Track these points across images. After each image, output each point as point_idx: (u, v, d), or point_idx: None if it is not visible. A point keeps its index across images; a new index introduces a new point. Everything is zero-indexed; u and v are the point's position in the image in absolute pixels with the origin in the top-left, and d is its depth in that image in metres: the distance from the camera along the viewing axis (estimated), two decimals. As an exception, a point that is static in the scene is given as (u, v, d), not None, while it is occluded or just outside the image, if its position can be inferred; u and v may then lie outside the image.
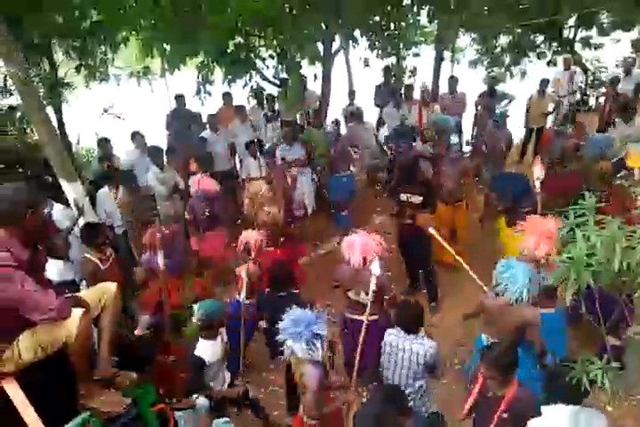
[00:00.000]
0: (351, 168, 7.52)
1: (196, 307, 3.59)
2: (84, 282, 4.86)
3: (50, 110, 7.57)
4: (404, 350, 3.62)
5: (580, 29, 10.20)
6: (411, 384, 3.65)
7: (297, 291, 4.71)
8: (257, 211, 5.22)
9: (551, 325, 3.77)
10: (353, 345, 3.74)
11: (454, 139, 6.76)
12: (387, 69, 9.50)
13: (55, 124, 7.59)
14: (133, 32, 7.75)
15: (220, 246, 5.81)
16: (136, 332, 3.94)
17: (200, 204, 5.85)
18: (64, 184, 5.64)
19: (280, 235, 5.16)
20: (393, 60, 10.31)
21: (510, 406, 2.90)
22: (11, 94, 7.50)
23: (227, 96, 8.53)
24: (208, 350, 3.63)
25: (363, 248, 3.93)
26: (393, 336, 3.72)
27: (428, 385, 3.78)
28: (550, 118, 8.98)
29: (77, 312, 2.40)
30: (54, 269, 4.59)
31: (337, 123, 8.40)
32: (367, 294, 3.73)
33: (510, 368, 2.92)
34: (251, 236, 4.64)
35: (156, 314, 4.13)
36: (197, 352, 3.60)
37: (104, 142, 7.12)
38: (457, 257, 4.47)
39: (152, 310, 4.27)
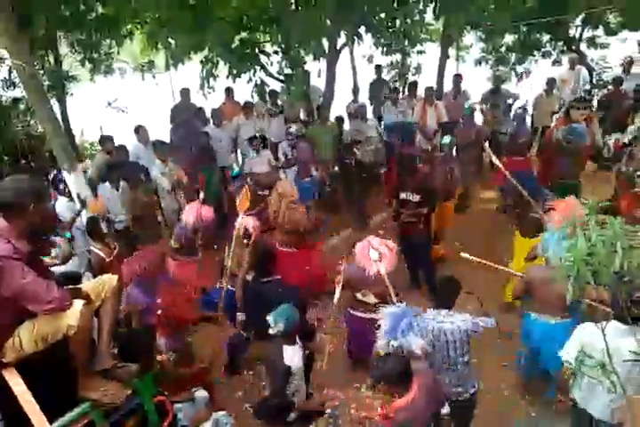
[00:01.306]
0: (313, 173, 7.46)
1: (271, 318, 3.34)
2: (87, 274, 4.89)
3: (54, 103, 7.61)
4: (448, 329, 3.33)
5: (586, 29, 10.15)
6: (461, 362, 3.43)
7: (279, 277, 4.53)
8: (286, 210, 5.26)
9: (556, 334, 3.68)
10: (358, 339, 3.75)
11: (447, 138, 6.75)
12: (378, 67, 9.51)
13: (59, 116, 7.62)
14: (138, 26, 7.77)
15: (194, 275, 5.33)
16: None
17: (191, 235, 5.29)
18: (67, 176, 5.66)
19: (303, 235, 5.28)
20: (398, 57, 10.31)
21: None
22: (15, 87, 7.49)
23: (229, 91, 8.53)
24: (295, 356, 3.37)
25: (375, 253, 3.96)
26: (433, 321, 3.39)
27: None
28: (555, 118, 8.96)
29: (78, 304, 2.42)
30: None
31: (341, 119, 8.40)
32: (376, 296, 3.86)
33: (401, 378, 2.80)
34: (249, 222, 4.68)
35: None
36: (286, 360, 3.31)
37: (106, 140, 7.06)
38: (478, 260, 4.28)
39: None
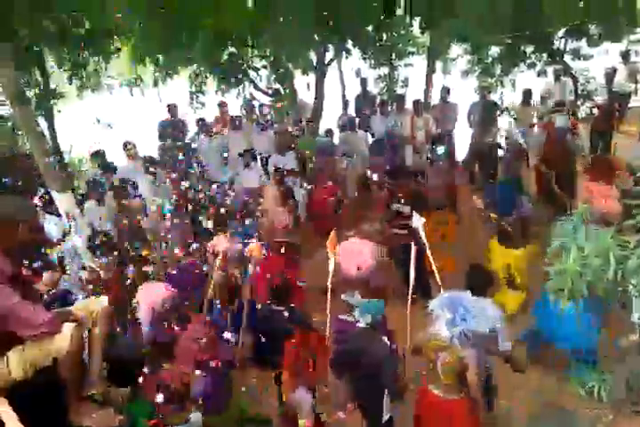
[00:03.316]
0: None
1: (357, 313, 3.44)
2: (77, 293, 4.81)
3: (42, 120, 7.57)
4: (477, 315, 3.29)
5: (569, 40, 10.30)
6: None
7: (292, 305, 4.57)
8: (272, 214, 5.25)
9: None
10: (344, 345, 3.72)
11: (441, 149, 6.78)
12: (363, 80, 9.60)
13: (47, 133, 7.57)
14: (126, 42, 7.77)
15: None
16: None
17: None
18: (55, 195, 5.60)
19: (283, 242, 5.24)
20: (385, 70, 10.40)
21: None
22: (1, 105, 7.44)
23: (222, 106, 8.54)
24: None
25: (357, 256, 3.97)
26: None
27: None
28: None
29: (68, 327, 2.36)
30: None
31: (330, 132, 8.43)
32: (361, 296, 3.82)
33: None
34: (220, 242, 4.67)
35: None
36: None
37: (99, 156, 7.00)
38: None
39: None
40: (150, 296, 4.27)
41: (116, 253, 5.19)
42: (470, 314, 3.05)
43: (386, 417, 3.41)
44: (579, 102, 9.19)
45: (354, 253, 4.30)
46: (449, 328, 3.05)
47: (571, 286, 2.45)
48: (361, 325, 3.41)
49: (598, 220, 4.05)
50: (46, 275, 4.02)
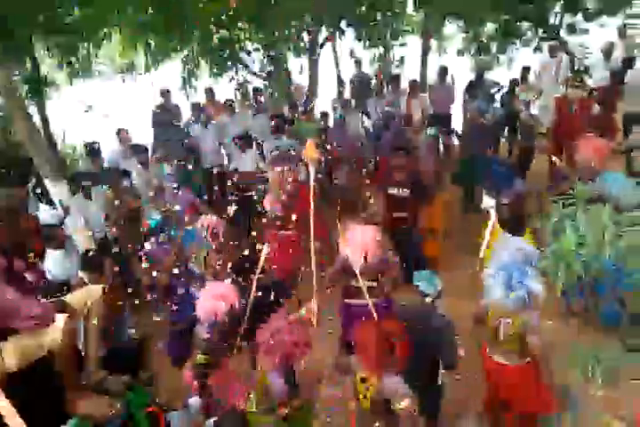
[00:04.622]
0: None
1: (422, 284, 3.48)
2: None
3: (33, 108, 7.48)
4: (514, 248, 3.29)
5: (565, 15, 10.15)
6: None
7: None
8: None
9: None
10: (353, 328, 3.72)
11: (432, 129, 6.72)
12: (357, 62, 9.49)
13: (39, 122, 7.49)
14: (116, 27, 7.64)
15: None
16: None
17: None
18: (48, 184, 5.56)
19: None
20: (381, 50, 10.26)
21: None
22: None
23: (209, 92, 8.45)
24: None
25: (363, 242, 3.94)
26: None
27: None
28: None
29: (61, 317, 2.36)
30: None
31: (325, 115, 8.34)
32: (370, 280, 3.85)
33: None
34: (212, 220, 4.62)
35: None
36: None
37: (92, 147, 6.88)
38: None
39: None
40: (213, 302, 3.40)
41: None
42: (527, 276, 2.97)
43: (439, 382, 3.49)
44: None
45: (360, 240, 4.21)
46: (506, 294, 3.02)
47: (566, 266, 2.43)
48: (429, 299, 3.46)
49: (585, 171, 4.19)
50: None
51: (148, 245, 4.27)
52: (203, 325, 3.28)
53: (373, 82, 9.51)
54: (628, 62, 8.63)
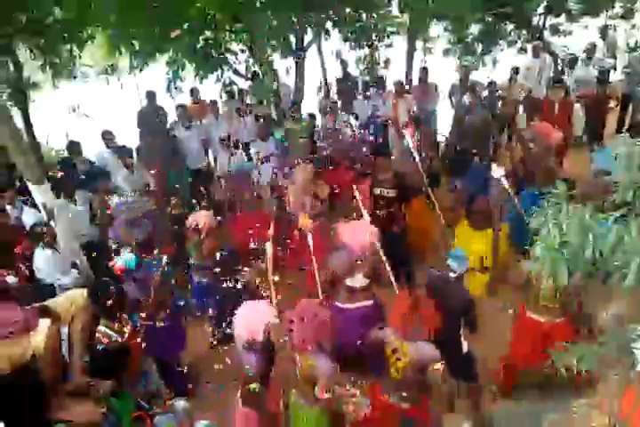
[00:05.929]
0: None
1: (454, 264, 3.87)
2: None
3: (16, 111, 7.38)
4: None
5: (548, 16, 10.26)
6: None
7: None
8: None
9: None
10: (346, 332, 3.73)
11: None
12: (343, 62, 9.52)
13: (22, 125, 7.39)
14: (99, 29, 7.56)
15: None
16: None
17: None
18: (31, 187, 5.47)
19: None
20: (366, 51, 10.28)
21: None
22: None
23: (194, 92, 8.42)
24: None
25: (359, 236, 3.99)
26: None
27: None
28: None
29: (44, 323, 2.33)
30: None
31: (313, 116, 8.35)
32: (365, 277, 3.98)
33: None
34: (200, 217, 4.66)
35: None
36: None
37: (73, 146, 6.83)
38: None
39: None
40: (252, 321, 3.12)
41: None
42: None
43: (465, 350, 3.76)
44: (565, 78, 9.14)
45: (355, 233, 4.22)
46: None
47: (550, 264, 2.44)
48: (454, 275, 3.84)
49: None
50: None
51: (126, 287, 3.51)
52: (244, 350, 3.03)
53: (359, 83, 9.54)
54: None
